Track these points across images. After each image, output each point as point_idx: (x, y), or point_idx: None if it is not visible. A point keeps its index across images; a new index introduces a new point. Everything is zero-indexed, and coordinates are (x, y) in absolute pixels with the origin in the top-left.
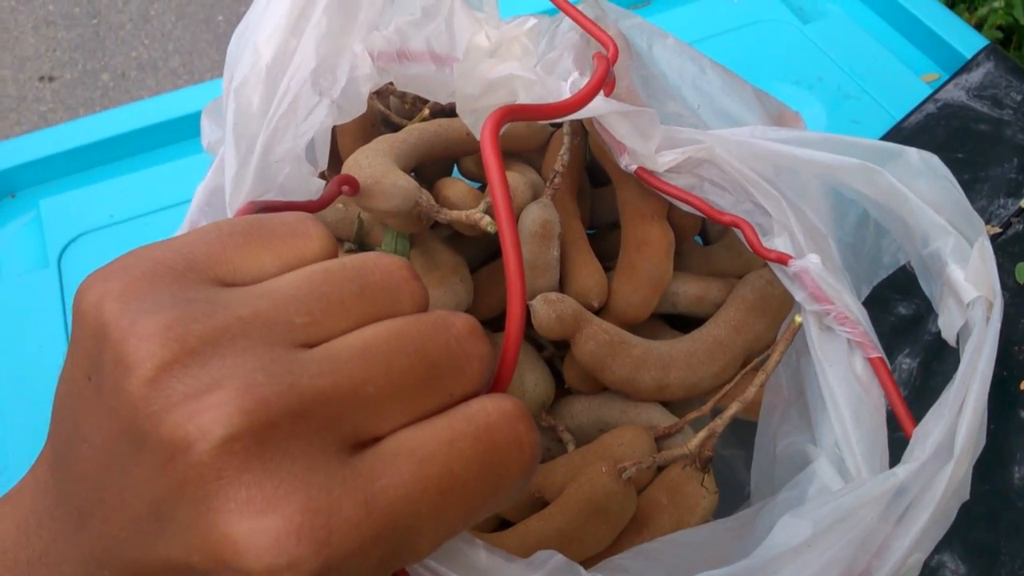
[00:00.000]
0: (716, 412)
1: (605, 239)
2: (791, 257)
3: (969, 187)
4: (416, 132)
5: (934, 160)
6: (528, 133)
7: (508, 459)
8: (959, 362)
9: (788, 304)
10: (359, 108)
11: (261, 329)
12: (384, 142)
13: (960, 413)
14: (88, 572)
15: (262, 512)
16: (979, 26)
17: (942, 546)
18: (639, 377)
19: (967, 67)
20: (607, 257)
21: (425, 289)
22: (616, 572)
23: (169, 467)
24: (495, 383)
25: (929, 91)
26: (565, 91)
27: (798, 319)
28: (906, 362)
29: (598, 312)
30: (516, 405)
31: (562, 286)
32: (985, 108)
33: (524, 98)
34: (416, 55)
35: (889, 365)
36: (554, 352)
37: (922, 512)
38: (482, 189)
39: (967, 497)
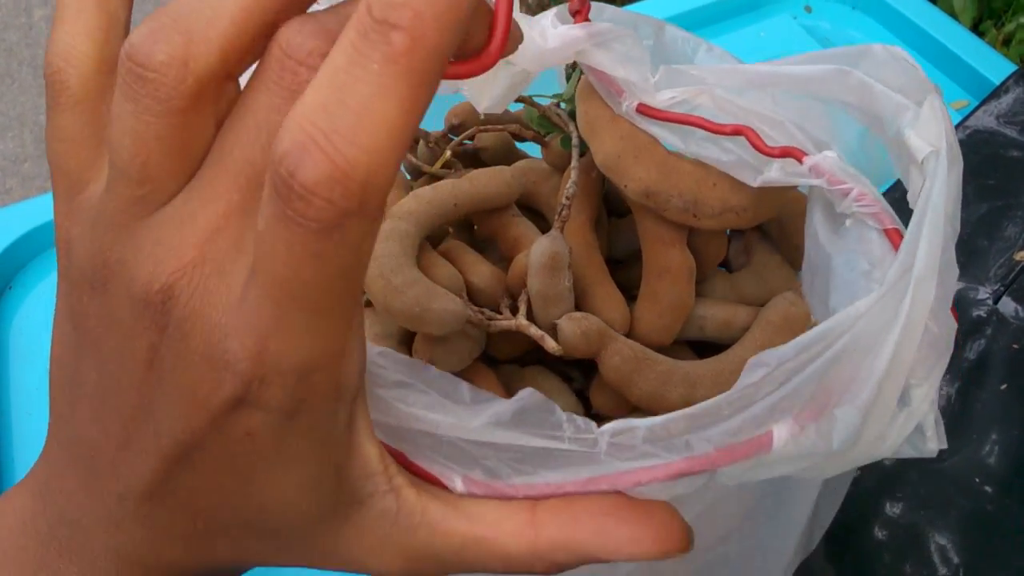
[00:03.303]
0: None
1: (632, 268)
2: (804, 153)
3: (1002, 213)
4: (425, 203)
5: (897, 50)
6: (542, 181)
7: None
8: (997, 386)
9: (810, 323)
10: None
11: None
12: (394, 237)
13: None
14: (108, 508)
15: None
16: (1007, 42)
17: (986, 572)
18: (666, 393)
19: (996, 93)
20: (634, 286)
21: None
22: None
23: (147, 313)
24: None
25: (959, 118)
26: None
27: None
28: (943, 388)
29: None
30: None
31: None
32: (1015, 133)
33: None
34: None
35: None
36: (583, 383)
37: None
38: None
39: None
